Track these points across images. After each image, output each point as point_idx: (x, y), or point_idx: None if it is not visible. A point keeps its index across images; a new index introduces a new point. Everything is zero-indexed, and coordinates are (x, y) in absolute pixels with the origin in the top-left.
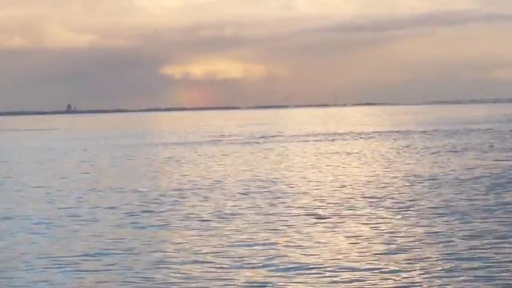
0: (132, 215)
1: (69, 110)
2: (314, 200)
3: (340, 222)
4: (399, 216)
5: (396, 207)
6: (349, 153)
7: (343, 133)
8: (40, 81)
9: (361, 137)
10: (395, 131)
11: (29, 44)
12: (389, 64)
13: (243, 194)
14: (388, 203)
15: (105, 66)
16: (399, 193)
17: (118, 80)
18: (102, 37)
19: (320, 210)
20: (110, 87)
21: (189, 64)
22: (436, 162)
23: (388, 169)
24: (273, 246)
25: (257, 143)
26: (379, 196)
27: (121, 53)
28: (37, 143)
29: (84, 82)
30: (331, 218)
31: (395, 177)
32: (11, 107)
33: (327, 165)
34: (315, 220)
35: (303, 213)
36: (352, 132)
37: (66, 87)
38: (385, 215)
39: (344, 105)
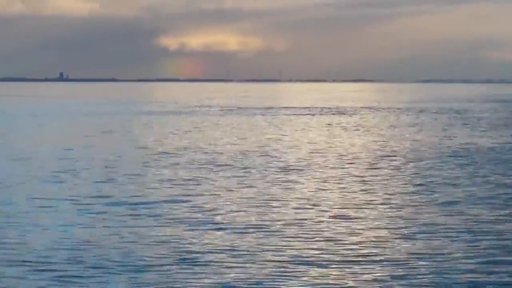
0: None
1: (61, 78)
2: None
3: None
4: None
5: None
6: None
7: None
8: (35, 48)
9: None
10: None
11: (28, 11)
12: (389, 41)
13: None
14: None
15: (101, 35)
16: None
17: (113, 50)
18: (101, 6)
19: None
20: (105, 56)
21: (186, 36)
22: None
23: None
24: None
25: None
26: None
27: (119, 22)
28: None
29: (79, 51)
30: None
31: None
32: (3, 73)
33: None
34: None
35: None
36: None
37: (61, 55)
38: None
39: (335, 81)
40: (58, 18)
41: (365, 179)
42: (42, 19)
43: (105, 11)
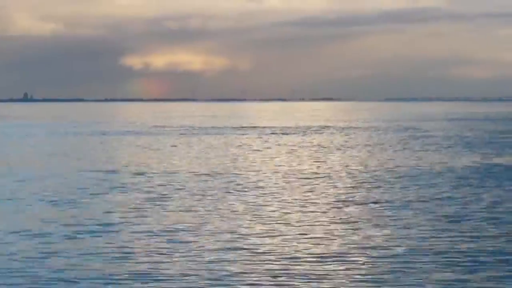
0: None
1: (26, 99)
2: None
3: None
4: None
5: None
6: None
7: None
8: None
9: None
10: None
11: None
12: (354, 60)
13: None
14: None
15: (65, 55)
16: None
17: (77, 70)
18: (65, 25)
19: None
20: (69, 76)
21: (151, 55)
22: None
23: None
24: None
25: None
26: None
27: (82, 42)
28: None
29: (43, 71)
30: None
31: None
32: None
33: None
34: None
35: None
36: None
37: (24, 75)
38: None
39: (302, 99)
40: (22, 38)
41: (307, 196)
42: (5, 39)
43: (69, 31)
